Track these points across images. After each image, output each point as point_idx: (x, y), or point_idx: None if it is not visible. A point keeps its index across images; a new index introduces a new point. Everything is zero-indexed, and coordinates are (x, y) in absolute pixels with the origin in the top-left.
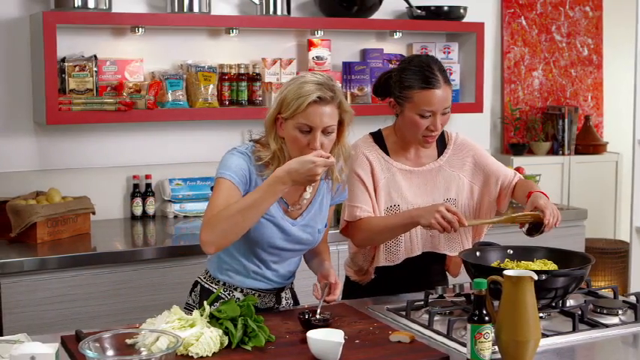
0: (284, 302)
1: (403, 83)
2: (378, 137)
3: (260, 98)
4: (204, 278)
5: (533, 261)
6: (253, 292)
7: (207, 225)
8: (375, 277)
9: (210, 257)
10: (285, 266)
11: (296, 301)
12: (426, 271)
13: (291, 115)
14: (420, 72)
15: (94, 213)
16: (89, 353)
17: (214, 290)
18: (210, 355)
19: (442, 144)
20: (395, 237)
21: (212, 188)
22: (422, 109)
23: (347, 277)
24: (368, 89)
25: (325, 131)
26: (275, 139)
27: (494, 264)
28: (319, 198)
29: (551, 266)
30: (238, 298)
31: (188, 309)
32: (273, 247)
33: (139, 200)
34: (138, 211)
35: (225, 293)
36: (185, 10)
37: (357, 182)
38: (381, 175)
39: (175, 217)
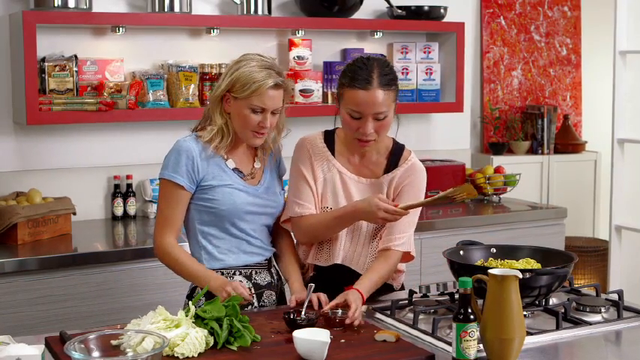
0: (275, 277)
1: (341, 80)
2: (329, 136)
3: None
4: None
5: (516, 260)
6: (250, 269)
7: (160, 253)
8: (313, 274)
9: (194, 256)
10: (264, 234)
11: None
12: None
13: (246, 96)
14: (355, 71)
15: (74, 213)
16: (75, 354)
17: None
18: (195, 355)
19: (395, 161)
20: (340, 230)
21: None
22: (349, 108)
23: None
24: None
25: (274, 112)
26: (221, 114)
27: (478, 263)
28: (269, 166)
29: (535, 265)
30: (241, 281)
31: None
32: (247, 213)
33: (119, 200)
34: (119, 211)
35: None
36: (166, 9)
37: (299, 177)
38: (319, 174)
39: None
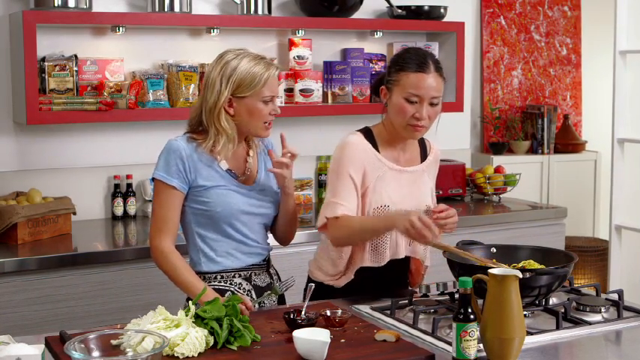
0: (274, 277)
1: (395, 67)
2: (367, 134)
3: None
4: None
5: (517, 262)
6: (250, 271)
7: (156, 256)
8: (353, 278)
9: (193, 259)
10: (261, 235)
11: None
12: (403, 276)
13: (257, 91)
14: (411, 57)
15: (74, 213)
16: (75, 354)
17: (224, 288)
18: (195, 355)
19: (424, 149)
20: (372, 238)
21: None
22: (408, 92)
23: (320, 283)
24: (349, 88)
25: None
26: (226, 120)
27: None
28: (262, 161)
29: (536, 266)
30: (240, 284)
31: None
32: (243, 214)
33: (119, 200)
34: (119, 211)
35: (227, 285)
36: (166, 9)
37: (347, 179)
38: (372, 175)
39: None
